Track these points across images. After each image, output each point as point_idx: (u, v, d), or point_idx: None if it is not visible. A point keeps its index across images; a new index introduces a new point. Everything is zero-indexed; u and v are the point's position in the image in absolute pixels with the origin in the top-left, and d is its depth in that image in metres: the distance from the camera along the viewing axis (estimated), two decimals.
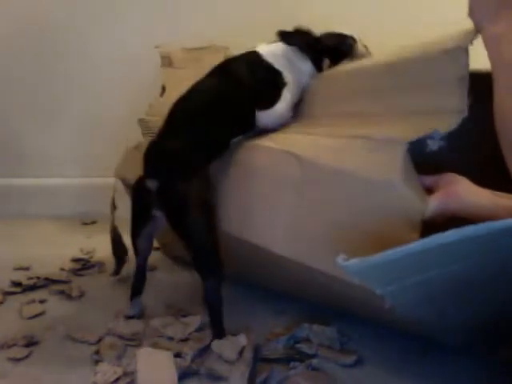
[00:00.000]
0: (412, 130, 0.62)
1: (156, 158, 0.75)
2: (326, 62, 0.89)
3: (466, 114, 0.60)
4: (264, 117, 0.83)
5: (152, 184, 0.72)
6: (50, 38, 1.36)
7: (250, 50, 0.86)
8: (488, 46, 0.59)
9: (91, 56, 1.36)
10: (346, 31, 0.89)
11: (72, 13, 1.34)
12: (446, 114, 0.63)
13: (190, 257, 0.73)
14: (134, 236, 0.78)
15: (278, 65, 0.84)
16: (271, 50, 0.86)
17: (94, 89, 1.38)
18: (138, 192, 0.76)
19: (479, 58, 0.63)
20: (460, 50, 0.61)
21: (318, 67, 0.88)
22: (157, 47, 1.07)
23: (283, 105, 0.83)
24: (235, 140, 0.81)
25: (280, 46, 0.87)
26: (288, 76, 0.84)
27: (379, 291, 0.50)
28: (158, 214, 0.73)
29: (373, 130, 0.67)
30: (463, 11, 0.63)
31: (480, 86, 0.60)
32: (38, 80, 1.39)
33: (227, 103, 0.81)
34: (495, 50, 0.58)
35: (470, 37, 0.62)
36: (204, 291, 0.71)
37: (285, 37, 0.86)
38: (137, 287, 0.82)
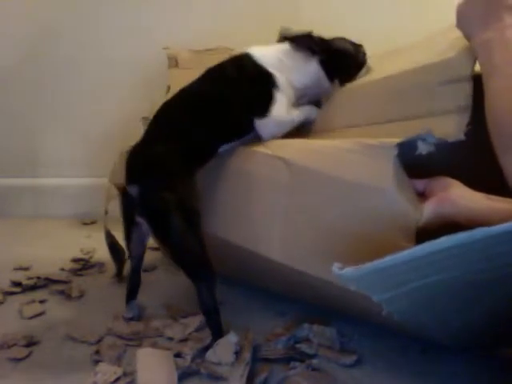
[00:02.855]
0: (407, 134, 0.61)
1: (138, 164, 0.73)
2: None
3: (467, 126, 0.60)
4: (263, 126, 0.79)
5: (133, 190, 0.70)
6: (53, 40, 1.36)
7: (243, 52, 0.83)
8: (478, 52, 0.61)
9: (92, 57, 1.36)
10: (353, 37, 0.86)
11: (75, 14, 1.34)
12: (444, 118, 0.62)
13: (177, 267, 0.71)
14: (127, 240, 0.78)
15: (269, 67, 0.80)
16: (264, 52, 0.82)
17: (95, 89, 1.38)
18: (123, 197, 0.74)
19: None
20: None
21: (329, 71, 0.84)
22: (164, 48, 1.07)
23: (279, 108, 0.79)
24: (226, 147, 0.79)
25: (275, 48, 0.84)
26: (281, 78, 0.80)
27: (376, 298, 0.50)
28: (140, 220, 0.72)
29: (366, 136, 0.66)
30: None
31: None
32: (38, 81, 1.39)
33: (215, 108, 0.78)
34: (485, 55, 0.60)
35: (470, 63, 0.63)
36: (198, 296, 0.69)
37: (289, 38, 0.83)
38: (132, 290, 0.81)
